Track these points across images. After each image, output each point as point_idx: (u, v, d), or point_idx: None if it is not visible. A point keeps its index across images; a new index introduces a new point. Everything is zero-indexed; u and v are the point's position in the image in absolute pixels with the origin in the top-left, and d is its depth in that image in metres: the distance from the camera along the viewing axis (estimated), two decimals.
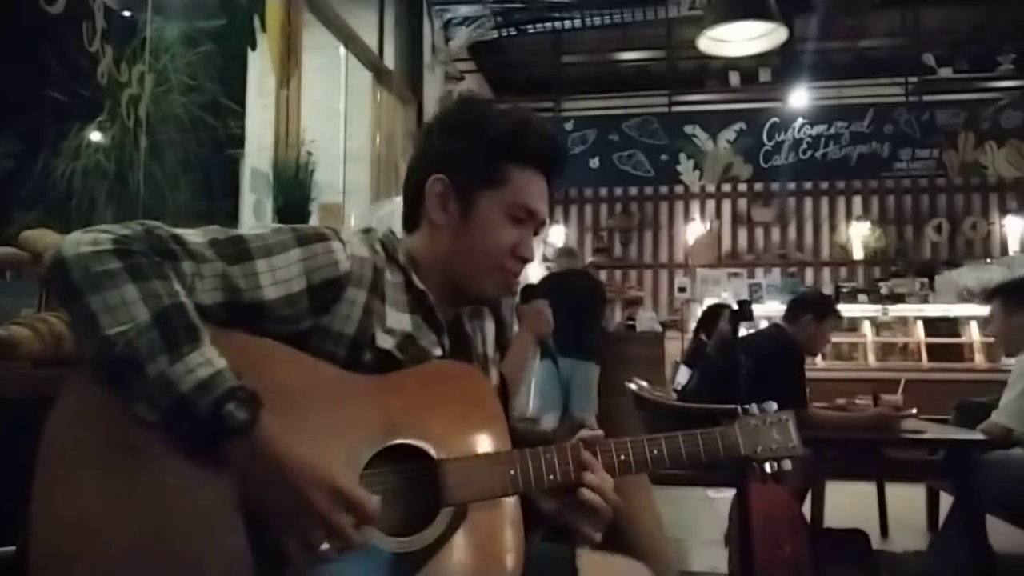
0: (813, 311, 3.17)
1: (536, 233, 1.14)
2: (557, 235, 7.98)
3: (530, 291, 2.22)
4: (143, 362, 0.82)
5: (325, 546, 0.87)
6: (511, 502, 1.02)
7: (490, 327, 1.26)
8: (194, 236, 0.92)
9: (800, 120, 6.34)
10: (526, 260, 1.11)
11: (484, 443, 1.02)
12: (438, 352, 1.09)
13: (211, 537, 0.86)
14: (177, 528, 0.85)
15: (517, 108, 1.17)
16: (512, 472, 1.01)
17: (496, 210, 1.08)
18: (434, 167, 1.10)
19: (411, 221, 1.14)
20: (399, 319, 1.05)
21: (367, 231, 1.12)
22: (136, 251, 0.85)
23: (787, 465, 1.18)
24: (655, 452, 1.10)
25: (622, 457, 1.08)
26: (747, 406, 1.20)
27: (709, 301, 6.72)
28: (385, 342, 1.02)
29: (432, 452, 0.99)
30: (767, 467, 1.17)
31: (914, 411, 3.05)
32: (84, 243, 0.84)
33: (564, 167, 1.17)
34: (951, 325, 6.39)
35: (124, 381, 0.84)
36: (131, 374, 0.83)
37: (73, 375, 0.89)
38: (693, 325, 6.68)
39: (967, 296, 6.16)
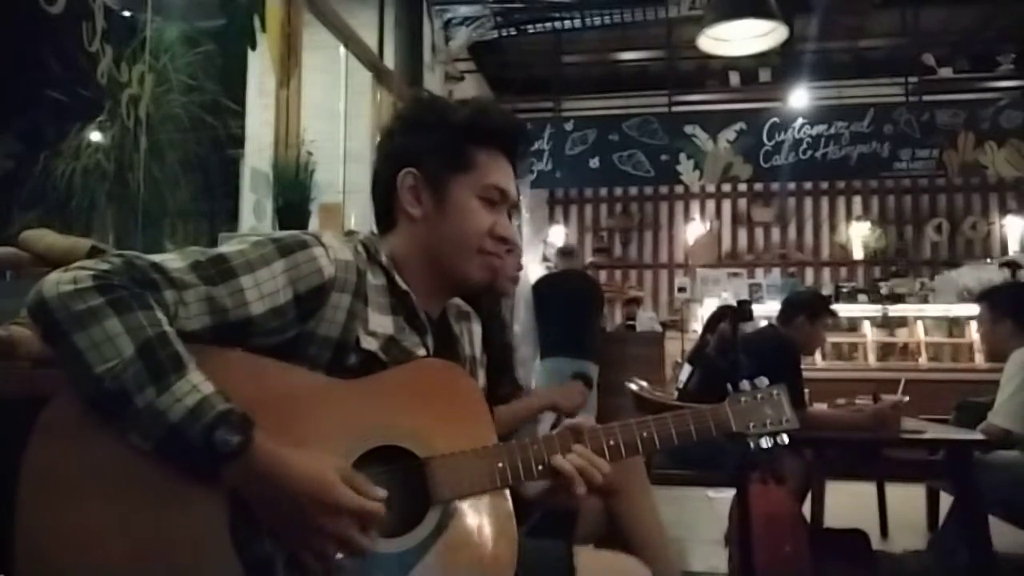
0: (805, 312, 3.17)
1: (509, 216, 1.14)
2: (557, 235, 7.98)
3: (535, 290, 2.22)
4: (131, 395, 0.82)
5: (339, 555, 0.88)
6: (501, 495, 1.02)
7: (477, 328, 1.26)
8: (175, 262, 0.91)
9: (800, 120, 6.33)
10: (505, 240, 1.11)
11: (469, 438, 1.02)
12: (422, 353, 1.08)
13: (201, 561, 0.86)
14: (166, 553, 0.85)
15: (474, 98, 1.20)
16: (500, 465, 1.01)
17: (469, 193, 1.09)
18: (402, 163, 1.10)
19: (385, 222, 1.14)
20: (381, 322, 1.05)
21: (349, 233, 1.13)
22: (117, 285, 0.85)
23: (784, 439, 1.17)
24: (645, 435, 1.09)
25: (611, 442, 1.08)
26: (739, 383, 1.19)
27: (709, 301, 6.73)
28: (369, 344, 1.02)
29: (416, 451, 0.98)
30: (763, 442, 1.17)
31: (906, 399, 3.04)
32: (64, 282, 0.84)
33: (527, 148, 1.18)
34: (951, 325, 6.39)
35: (115, 414, 0.84)
36: (121, 407, 0.83)
37: (49, 405, 0.87)
38: (693, 325, 6.70)
39: (967, 296, 6.15)
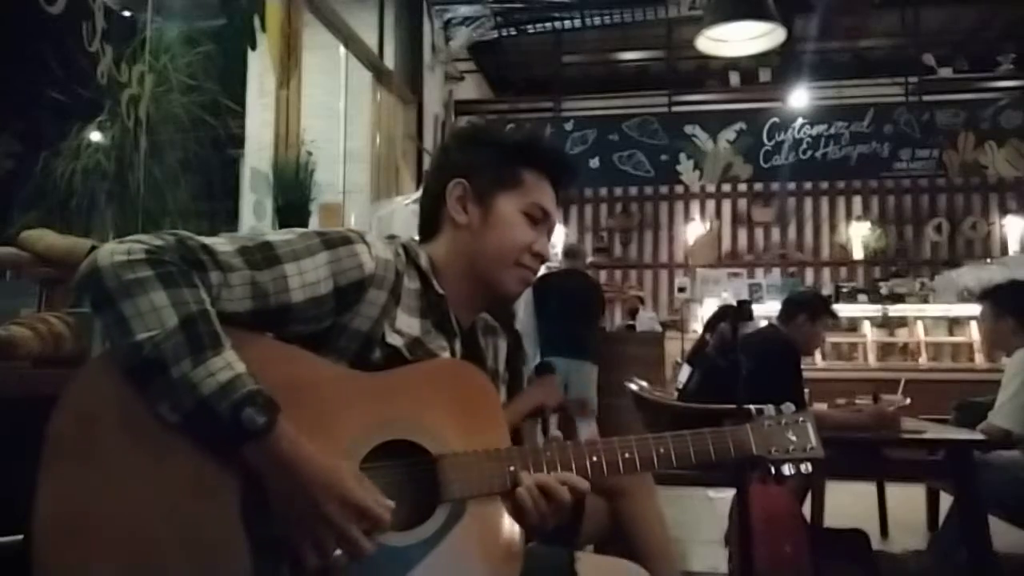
0: (806, 311, 3.17)
1: (548, 237, 1.19)
2: (557, 235, 7.98)
3: (535, 290, 2.20)
4: (168, 365, 0.85)
5: (338, 553, 0.89)
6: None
7: (503, 344, 1.28)
8: (223, 246, 0.95)
9: (800, 120, 6.33)
10: (543, 258, 1.16)
11: (483, 439, 1.02)
12: (446, 356, 1.10)
13: (209, 536, 0.87)
14: (175, 527, 0.86)
15: (530, 128, 1.28)
16: (512, 468, 1.01)
17: (513, 209, 1.14)
18: (453, 174, 1.15)
19: (429, 229, 1.18)
20: (409, 323, 1.08)
21: (391, 238, 1.16)
22: (168, 261, 0.89)
23: (805, 468, 1.15)
24: (662, 451, 1.08)
25: (627, 455, 1.07)
26: (762, 407, 1.18)
27: (709, 301, 6.72)
28: (394, 340, 1.05)
29: (429, 448, 0.99)
30: (785, 469, 1.15)
31: (908, 400, 3.04)
32: (118, 252, 0.88)
33: (572, 179, 1.23)
34: (951, 325, 6.39)
35: (150, 383, 0.86)
36: (157, 376, 0.86)
37: (80, 371, 0.90)
38: (693, 325, 6.70)
39: (967, 296, 6.15)
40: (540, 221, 1.16)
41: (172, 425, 0.87)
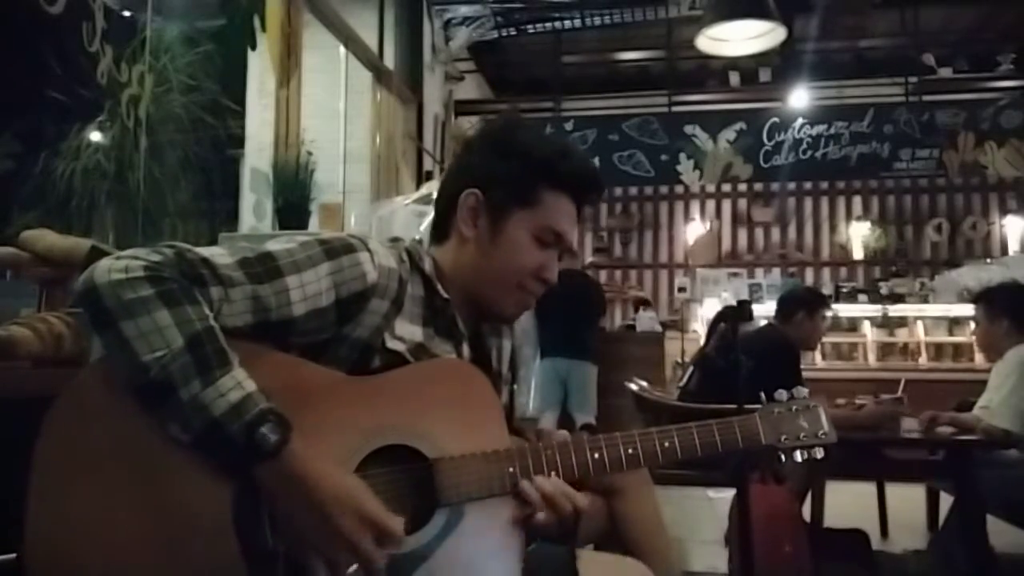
0: (803, 307, 3.18)
1: (560, 259, 1.14)
2: None
3: None
4: (176, 386, 0.83)
5: (352, 568, 0.87)
6: (511, 501, 1.00)
7: (507, 345, 1.26)
8: (223, 258, 0.93)
9: (800, 120, 6.33)
10: (548, 283, 1.12)
11: (481, 441, 1.00)
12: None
13: (202, 550, 0.86)
14: (173, 539, 0.86)
15: (559, 137, 1.21)
16: (511, 470, 0.99)
17: (525, 230, 1.09)
18: (470, 181, 1.11)
19: (440, 232, 1.15)
20: (411, 330, 1.05)
21: (395, 240, 1.14)
22: (167, 277, 0.86)
23: (819, 454, 1.13)
24: (666, 444, 1.05)
25: (630, 451, 1.04)
26: (776, 393, 1.15)
27: (709, 301, 6.73)
28: (396, 345, 1.03)
29: (426, 451, 0.98)
30: (797, 456, 1.13)
31: (905, 398, 3.04)
32: (115, 270, 0.85)
33: (597, 198, 1.18)
34: (951, 325, 6.39)
35: (158, 404, 0.85)
36: (165, 398, 0.84)
37: (71, 381, 0.89)
38: (693, 325, 6.70)
39: (967, 296, 6.14)
40: (551, 244, 1.11)
41: (166, 441, 0.85)
